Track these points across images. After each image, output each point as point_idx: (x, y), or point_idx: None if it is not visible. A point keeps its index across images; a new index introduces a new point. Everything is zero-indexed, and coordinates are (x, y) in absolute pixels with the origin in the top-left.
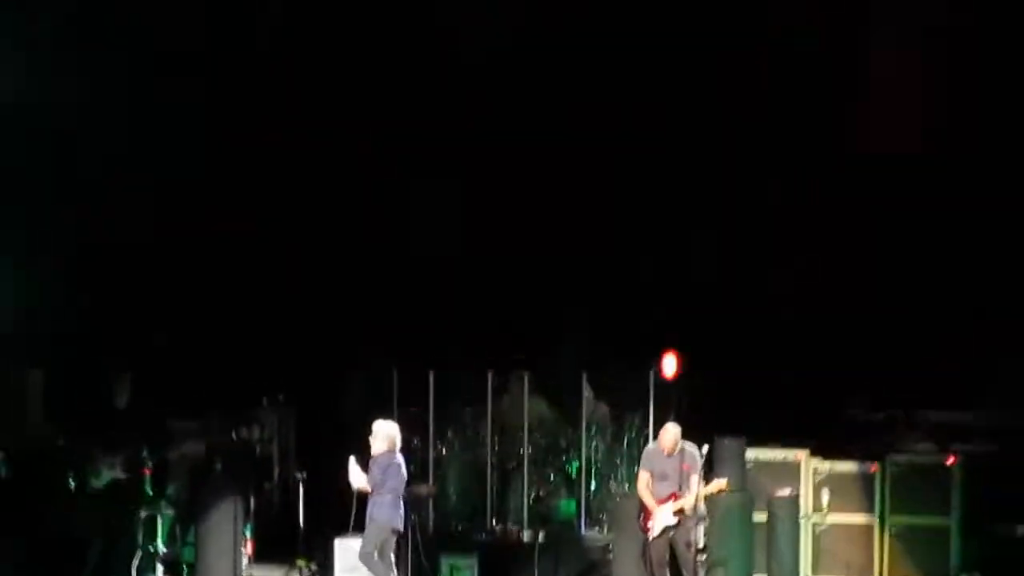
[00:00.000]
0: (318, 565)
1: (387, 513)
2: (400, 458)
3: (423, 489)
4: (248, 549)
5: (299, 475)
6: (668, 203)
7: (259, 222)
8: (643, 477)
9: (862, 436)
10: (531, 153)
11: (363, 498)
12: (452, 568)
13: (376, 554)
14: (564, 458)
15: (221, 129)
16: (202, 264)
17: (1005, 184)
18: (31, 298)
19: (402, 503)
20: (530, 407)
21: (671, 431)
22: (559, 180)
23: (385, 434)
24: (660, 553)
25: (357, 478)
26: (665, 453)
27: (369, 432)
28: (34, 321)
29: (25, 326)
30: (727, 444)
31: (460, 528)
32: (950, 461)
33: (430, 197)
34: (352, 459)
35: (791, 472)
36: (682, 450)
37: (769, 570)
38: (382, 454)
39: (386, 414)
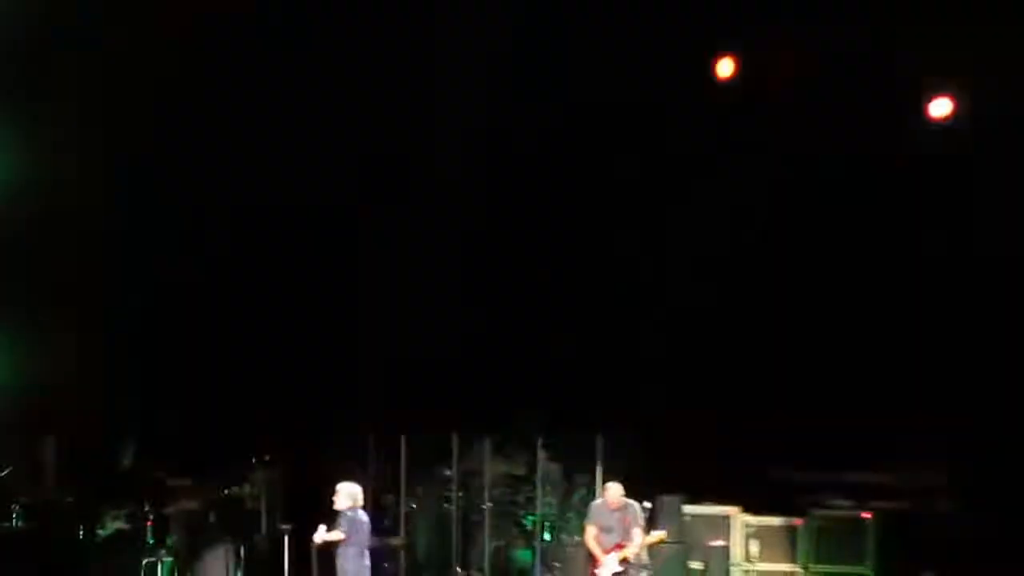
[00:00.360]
0: None
1: (354, 564)
2: (362, 514)
3: (395, 541)
4: None
5: (284, 528)
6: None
7: (248, 310)
8: (590, 530)
9: (788, 494)
10: (492, 241)
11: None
12: None
13: None
14: (521, 512)
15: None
16: (199, 342)
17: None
18: (48, 371)
19: (367, 555)
20: (491, 467)
21: (614, 489)
22: (517, 263)
23: (347, 493)
24: None
25: (322, 536)
26: (609, 508)
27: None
28: (50, 392)
29: (42, 397)
30: (666, 500)
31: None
32: (866, 516)
33: (398, 283)
34: (321, 528)
35: (723, 525)
36: (625, 505)
37: None
38: (346, 509)
39: (364, 473)
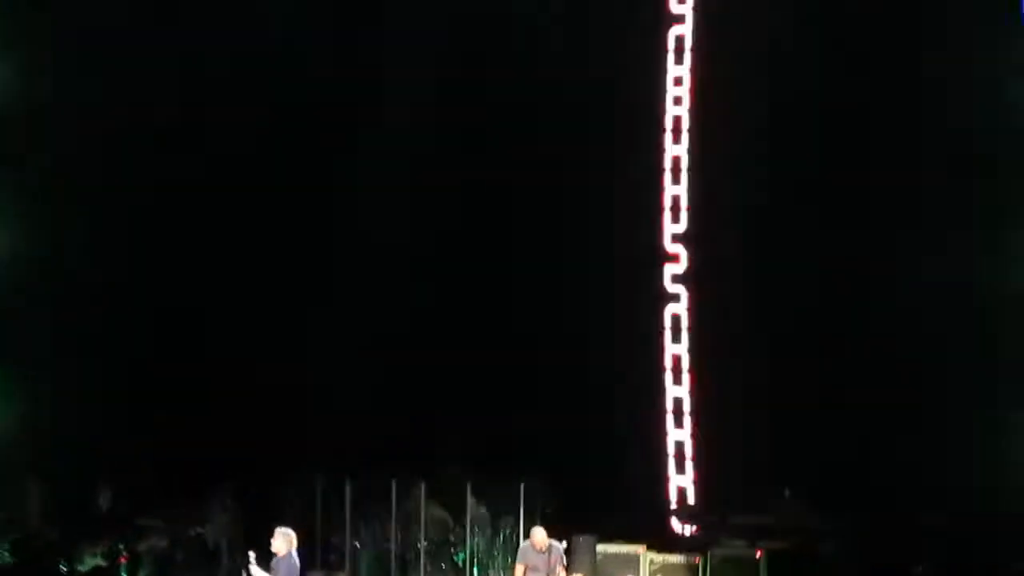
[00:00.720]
0: None
1: None
2: (295, 556)
3: (340, 575)
4: None
5: (244, 561)
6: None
7: (211, 372)
8: (518, 569)
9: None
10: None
11: None
12: None
13: None
14: (452, 550)
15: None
16: (169, 395)
17: None
18: (35, 420)
19: None
20: (425, 509)
21: (540, 532)
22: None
23: (284, 537)
24: None
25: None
26: (536, 549)
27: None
28: (35, 439)
29: (28, 443)
30: (582, 540)
31: None
32: (758, 555)
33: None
34: (253, 557)
35: (632, 563)
36: (550, 547)
37: None
38: (284, 555)
39: (314, 514)
